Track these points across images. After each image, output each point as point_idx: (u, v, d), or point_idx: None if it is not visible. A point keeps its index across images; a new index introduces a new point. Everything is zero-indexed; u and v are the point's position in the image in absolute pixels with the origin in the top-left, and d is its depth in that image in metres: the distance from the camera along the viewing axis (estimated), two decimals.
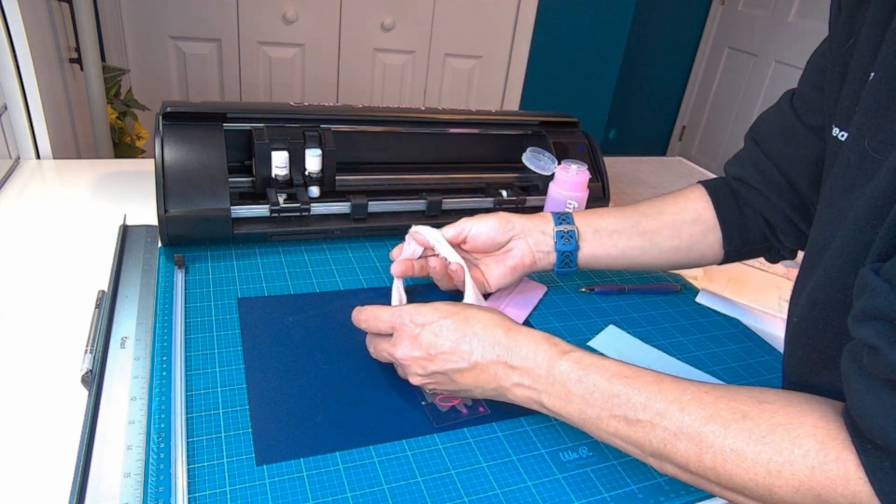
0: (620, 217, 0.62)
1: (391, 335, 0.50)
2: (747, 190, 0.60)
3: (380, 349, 0.51)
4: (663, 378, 0.41)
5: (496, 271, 0.62)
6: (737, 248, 0.63)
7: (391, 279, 0.62)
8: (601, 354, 0.44)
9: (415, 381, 0.48)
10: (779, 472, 0.35)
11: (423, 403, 0.50)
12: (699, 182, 0.65)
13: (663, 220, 0.62)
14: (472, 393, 0.47)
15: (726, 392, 0.39)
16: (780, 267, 0.83)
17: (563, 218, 0.61)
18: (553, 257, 0.61)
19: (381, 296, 0.63)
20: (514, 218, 0.62)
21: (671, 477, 0.40)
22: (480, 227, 0.61)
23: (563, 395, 0.42)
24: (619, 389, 0.41)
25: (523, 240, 0.61)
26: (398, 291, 0.61)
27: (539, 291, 0.68)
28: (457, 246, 0.62)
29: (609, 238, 0.62)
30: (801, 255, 0.88)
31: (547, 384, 0.43)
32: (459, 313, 0.47)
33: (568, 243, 0.60)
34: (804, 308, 0.43)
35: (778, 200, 0.58)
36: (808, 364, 0.43)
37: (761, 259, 0.64)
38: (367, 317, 0.51)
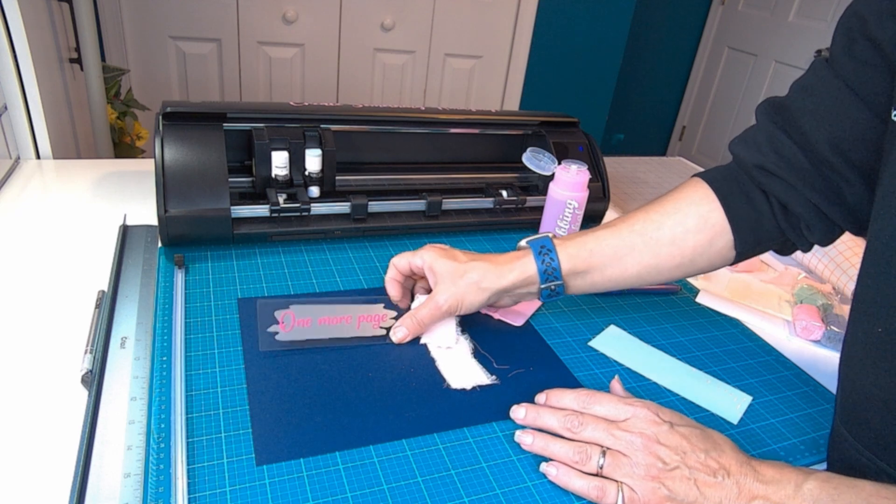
0: (615, 242, 0.57)
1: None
2: (767, 178, 0.53)
3: (603, 427, 0.46)
4: None
5: (470, 296, 0.56)
6: (750, 247, 0.57)
7: None
8: (850, 478, 0.41)
9: (645, 471, 0.44)
10: None
11: None
12: (698, 175, 0.58)
13: (662, 236, 0.56)
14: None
15: None
16: (779, 265, 0.82)
17: (548, 275, 0.56)
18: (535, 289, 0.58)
19: (382, 296, 0.63)
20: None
21: None
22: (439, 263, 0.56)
23: None
24: None
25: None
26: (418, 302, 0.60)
27: None
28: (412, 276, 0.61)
29: (600, 274, 0.58)
30: (800, 253, 0.87)
31: (796, 502, 0.41)
32: (696, 425, 0.47)
33: (553, 295, 0.58)
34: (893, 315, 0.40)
35: (804, 188, 0.51)
36: None
37: (762, 260, 0.63)
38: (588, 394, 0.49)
